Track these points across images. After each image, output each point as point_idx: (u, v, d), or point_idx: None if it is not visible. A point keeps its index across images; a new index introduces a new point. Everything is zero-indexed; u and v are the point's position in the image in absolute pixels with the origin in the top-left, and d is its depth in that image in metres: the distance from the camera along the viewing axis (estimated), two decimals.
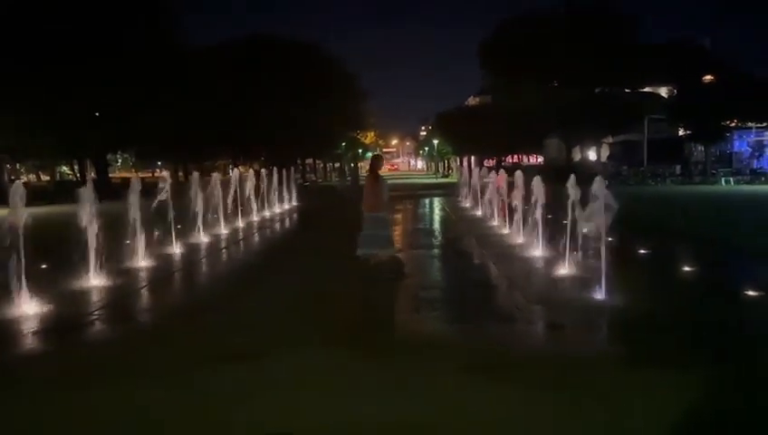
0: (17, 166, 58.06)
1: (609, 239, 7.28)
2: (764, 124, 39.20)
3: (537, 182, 10.16)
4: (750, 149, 39.39)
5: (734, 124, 40.39)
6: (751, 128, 39.92)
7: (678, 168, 38.28)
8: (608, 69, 39.82)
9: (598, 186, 7.10)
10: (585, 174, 9.61)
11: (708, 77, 39.98)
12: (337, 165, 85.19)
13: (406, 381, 4.81)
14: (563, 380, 4.81)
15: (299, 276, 9.62)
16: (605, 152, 49.79)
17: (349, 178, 43.99)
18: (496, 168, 20.74)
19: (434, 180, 57.44)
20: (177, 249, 11.85)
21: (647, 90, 49.74)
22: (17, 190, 7.16)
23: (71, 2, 28.76)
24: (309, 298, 7.97)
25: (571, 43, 38.23)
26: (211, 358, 5.44)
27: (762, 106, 37.11)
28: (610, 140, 48.09)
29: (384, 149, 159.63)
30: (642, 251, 10.70)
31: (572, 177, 8.41)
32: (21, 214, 7.08)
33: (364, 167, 56.26)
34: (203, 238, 13.38)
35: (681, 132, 44.28)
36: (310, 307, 7.46)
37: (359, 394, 4.60)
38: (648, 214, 18.59)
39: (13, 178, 41.56)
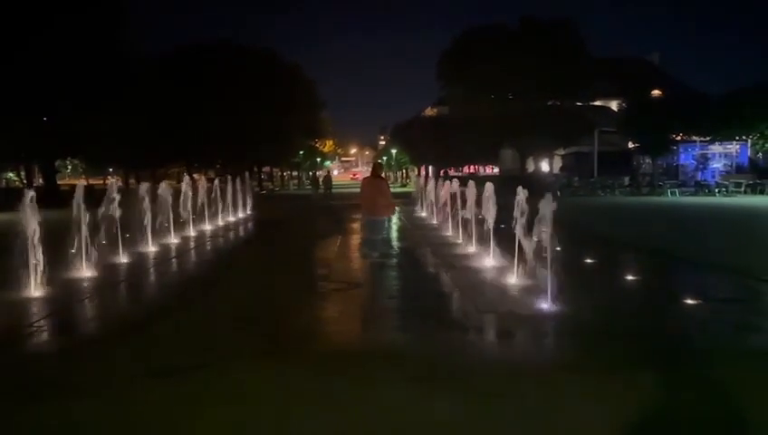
0: None
1: (558, 249, 7.43)
2: (708, 138, 40.73)
3: (489, 193, 10.31)
4: (695, 162, 40.83)
5: (679, 138, 41.83)
6: (696, 142, 41.42)
7: (627, 179, 39.34)
8: (560, 82, 40.85)
9: (545, 199, 7.25)
10: (538, 185, 9.81)
11: (656, 92, 41.39)
12: (295, 173, 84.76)
13: (349, 392, 4.79)
14: (510, 387, 4.87)
15: (246, 287, 9.49)
16: (557, 163, 50.90)
17: (322, 187, 43.62)
18: (443, 178, 20.94)
19: (392, 189, 57.57)
20: (122, 259, 11.55)
21: (597, 103, 51.28)
22: None
23: (14, 8, 27.80)
24: (255, 309, 7.87)
25: (525, 57, 39.08)
26: (149, 372, 5.31)
27: (705, 121, 38.59)
28: (562, 151, 49.20)
29: (343, 158, 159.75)
30: (589, 260, 10.96)
31: (520, 189, 8.56)
32: None
33: (322, 175, 56.25)
34: (150, 248, 13.08)
35: (630, 145, 45.65)
36: (255, 319, 7.35)
37: (301, 407, 4.55)
38: (596, 224, 19.08)
39: None
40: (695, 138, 41.75)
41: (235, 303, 8.28)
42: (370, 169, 11.42)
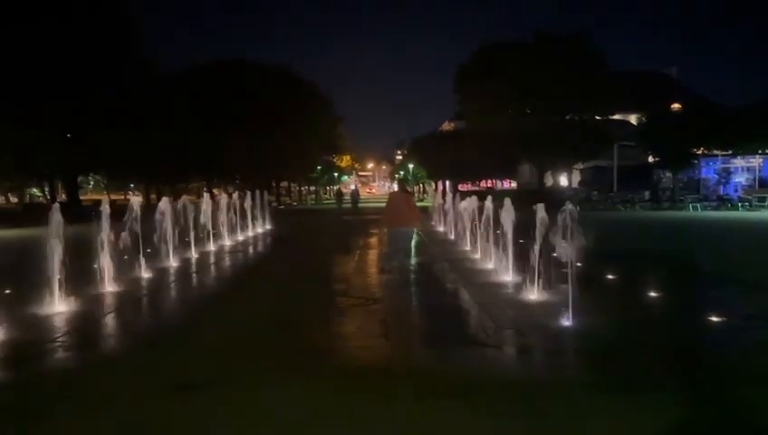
0: None
1: (578, 265, 7.36)
2: (730, 152, 40.28)
3: (507, 208, 10.27)
4: (716, 176, 40.35)
5: (700, 152, 41.42)
6: (717, 155, 40.98)
7: (647, 193, 39.00)
8: (578, 96, 40.72)
9: (567, 213, 7.21)
10: (556, 199, 9.75)
11: (676, 105, 41.09)
12: (312, 188, 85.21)
13: (368, 409, 4.77)
14: (530, 405, 4.82)
15: (266, 302, 9.52)
16: (576, 178, 50.61)
17: (347, 200, 43.80)
18: (452, 193, 20.92)
19: None
20: (144, 274, 11.67)
21: (616, 117, 50.94)
22: None
23: (40, 27, 28.44)
24: (274, 324, 7.88)
25: (542, 71, 39.05)
26: (167, 387, 5.33)
27: (727, 134, 38.19)
28: (581, 165, 48.93)
29: (360, 173, 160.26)
30: (610, 276, 10.84)
31: (541, 204, 8.51)
32: None
33: (348, 190, 56.60)
34: (171, 263, 13.20)
35: (650, 159, 45.29)
36: (275, 334, 7.36)
37: (318, 424, 4.54)
38: (617, 239, 18.89)
39: None
40: (716, 151, 41.33)
41: (252, 318, 8.31)
42: (397, 185, 13.24)
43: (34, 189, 62.26)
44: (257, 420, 4.62)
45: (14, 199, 60.65)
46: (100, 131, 31.58)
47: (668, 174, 43.33)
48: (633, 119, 53.47)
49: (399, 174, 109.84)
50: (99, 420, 4.64)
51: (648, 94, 52.19)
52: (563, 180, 50.91)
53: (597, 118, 46.39)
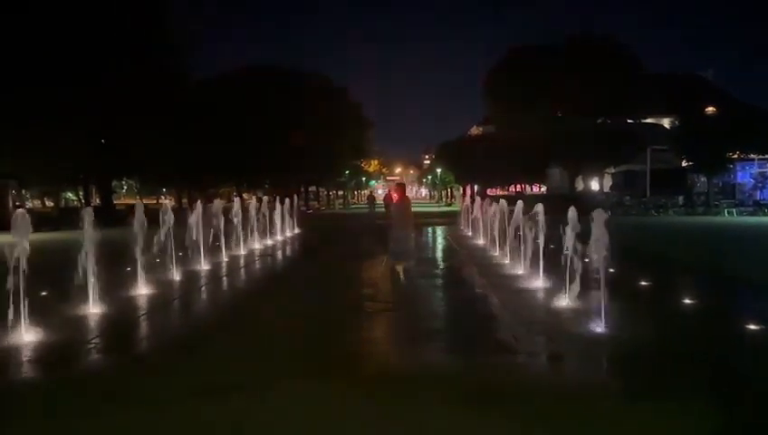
0: (23, 192, 58.38)
1: (611, 271, 7.25)
2: (767, 156, 39.28)
3: (539, 212, 10.17)
4: (753, 181, 39.38)
5: (736, 156, 40.47)
6: (753, 159, 39.99)
7: (681, 198, 38.23)
8: (610, 99, 40.17)
9: (597, 218, 7.10)
10: (588, 204, 9.63)
11: (710, 108, 40.24)
12: (341, 192, 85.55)
13: (398, 414, 4.75)
14: (560, 412, 4.75)
15: (295, 306, 9.58)
16: (608, 182, 49.88)
17: (379, 205, 44.09)
18: (489, 198, 20.75)
19: (437, 209, 57.52)
20: (176, 277, 11.84)
21: (649, 120, 50.09)
22: (20, 219, 7.18)
23: (76, 31, 29.16)
24: (305, 328, 7.92)
25: (574, 74, 38.63)
26: (195, 390, 5.38)
27: (763, 138, 37.24)
28: (613, 170, 48.22)
29: (387, 178, 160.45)
30: (643, 283, 10.64)
31: (572, 208, 8.41)
32: (24, 242, 7.09)
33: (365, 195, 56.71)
34: (202, 266, 13.38)
35: (684, 163, 44.44)
36: (306, 337, 7.41)
37: (347, 429, 4.54)
38: (650, 245, 18.55)
39: (18, 204, 41.78)
40: (752, 155, 40.34)
41: (281, 322, 8.36)
42: (397, 190, 12.84)
43: (69, 193, 63.73)
44: (288, 422, 4.65)
45: (49, 203, 62.16)
46: (134, 137, 32.21)
47: (703, 178, 42.43)
48: (666, 122, 52.52)
49: (426, 178, 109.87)
50: (138, 419, 4.71)
51: (682, 97, 51.18)
52: (594, 185, 50.21)
53: (629, 121, 45.68)
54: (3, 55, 27.36)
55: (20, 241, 7.09)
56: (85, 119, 29.35)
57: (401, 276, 11.30)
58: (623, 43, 42.82)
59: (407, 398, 5.12)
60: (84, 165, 32.34)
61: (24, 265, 7.01)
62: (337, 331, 7.78)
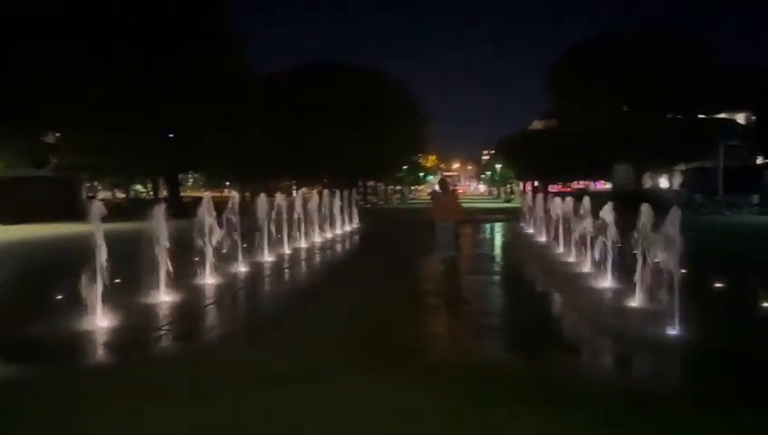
0: (95, 183, 61.23)
1: (683, 271, 6.94)
2: None
3: (607, 209, 9.85)
4: None
5: None
6: None
7: (756, 197, 36.30)
8: (681, 94, 38.55)
9: (672, 216, 6.81)
10: (656, 202, 9.25)
11: None
12: (398, 187, 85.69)
13: (462, 411, 4.69)
14: (628, 417, 4.58)
15: (358, 299, 9.61)
16: (677, 180, 47.97)
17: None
18: (543, 192, 20.34)
19: (496, 205, 56.82)
20: (241, 268, 12.12)
21: (722, 115, 47.79)
22: (95, 210, 7.50)
23: (147, 32, 30.29)
24: (367, 322, 7.95)
25: (643, 67, 37.27)
26: (261, 379, 5.47)
27: None
28: (683, 167, 46.32)
29: (445, 173, 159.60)
30: (718, 284, 10.15)
31: (645, 205, 8.09)
32: (99, 231, 7.41)
33: (425, 190, 56.70)
34: (266, 258, 13.65)
35: (759, 160, 42.19)
36: (367, 332, 7.41)
37: (409, 423, 4.50)
38: (725, 245, 17.72)
39: (90, 195, 43.86)
40: None
41: (344, 314, 8.42)
42: (440, 184, 14.37)
43: (138, 186, 66.41)
44: (350, 415, 4.66)
45: (120, 195, 64.94)
46: (201, 133, 33.28)
47: None
48: (741, 117, 49.94)
49: (485, 174, 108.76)
50: (207, 405, 4.84)
51: (758, 91, 48.59)
52: (663, 182, 48.39)
53: (701, 116, 43.74)
54: (81, 55, 28.70)
55: (95, 230, 7.41)
56: (156, 114, 30.48)
57: (451, 264, 12.15)
58: (695, 36, 41.03)
59: (472, 395, 5.05)
60: (157, 158, 33.62)
61: (99, 253, 7.32)
62: (396, 324, 7.77)
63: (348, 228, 23.52)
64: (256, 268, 12.47)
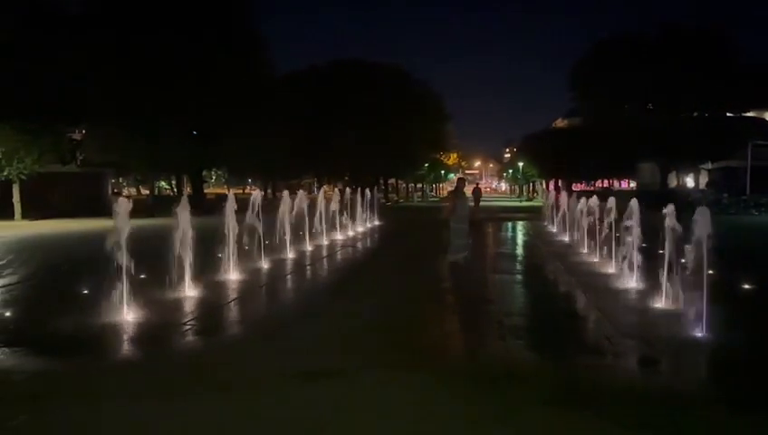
0: (119, 180, 62.07)
1: (710, 272, 6.82)
2: None
3: (633, 208, 9.72)
4: None
5: None
6: None
7: None
8: (707, 92, 37.85)
9: (700, 215, 6.70)
10: (682, 201, 9.10)
11: None
12: (419, 185, 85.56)
13: (489, 413, 4.66)
14: (654, 420, 4.51)
15: (380, 297, 9.62)
16: (703, 179, 47.15)
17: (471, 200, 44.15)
18: (567, 192, 20.09)
19: (518, 204, 56.42)
20: (264, 264, 12.20)
21: (750, 114, 46.84)
22: (122, 206, 7.60)
23: (172, 31, 30.63)
24: (390, 320, 7.94)
25: (668, 65, 36.68)
26: (287, 374, 5.50)
27: None
28: (709, 166, 45.48)
29: (466, 171, 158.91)
30: (746, 286, 9.96)
31: (671, 205, 7.96)
32: (125, 227, 7.51)
33: (446, 188, 56.42)
34: (288, 255, 13.71)
35: None
36: (390, 329, 7.40)
37: (434, 423, 4.49)
38: (752, 246, 17.37)
39: (116, 191, 44.48)
40: None
41: (366, 311, 8.41)
42: (457, 183, 14.26)
43: (162, 182, 67.22)
44: (373, 412, 4.66)
45: (144, 191, 65.81)
46: (225, 131, 33.59)
47: None
48: None
49: (507, 173, 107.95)
50: (228, 401, 4.88)
51: None
52: (689, 181, 47.58)
53: (728, 115, 42.90)
54: (107, 53, 29.10)
55: (122, 226, 7.50)
56: (180, 111, 30.81)
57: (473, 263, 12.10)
58: (721, 33, 40.25)
59: (496, 396, 5.02)
60: (181, 156, 34.00)
61: (125, 249, 7.43)
62: (419, 323, 7.77)
63: (369, 226, 23.55)
64: (278, 265, 12.55)
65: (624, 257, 10.15)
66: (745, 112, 45.56)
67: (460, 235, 12.57)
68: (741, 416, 4.60)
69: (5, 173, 27.49)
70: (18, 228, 23.37)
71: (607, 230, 11.75)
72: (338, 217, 19.08)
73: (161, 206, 26.21)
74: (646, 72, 37.49)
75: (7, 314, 8.14)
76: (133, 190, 70.90)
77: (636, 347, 6.57)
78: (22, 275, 11.75)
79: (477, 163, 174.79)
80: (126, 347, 6.60)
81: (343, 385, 5.27)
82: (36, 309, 8.53)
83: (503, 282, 10.97)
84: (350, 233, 20.29)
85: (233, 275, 10.64)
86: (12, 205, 28.18)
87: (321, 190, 19.34)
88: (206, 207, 23.83)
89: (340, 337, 7.00)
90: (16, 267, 12.76)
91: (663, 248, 8.05)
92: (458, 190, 13.47)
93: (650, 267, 9.20)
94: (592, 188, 60.84)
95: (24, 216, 27.84)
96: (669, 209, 7.94)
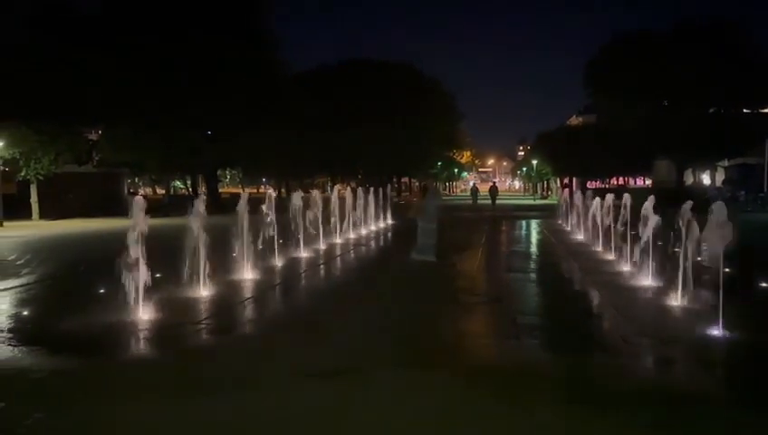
0: (135, 179, 62.63)
1: (727, 270, 6.74)
2: None
3: (649, 206, 9.63)
4: None
5: None
6: None
7: None
8: (724, 88, 37.40)
9: (717, 212, 6.62)
10: (698, 199, 9.02)
11: None
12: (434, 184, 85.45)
13: (502, 412, 4.65)
14: (672, 419, 4.48)
15: (392, 296, 9.61)
16: (720, 176, 46.61)
17: (484, 196, 44.48)
18: (581, 190, 19.94)
19: (532, 202, 56.13)
20: (278, 263, 12.24)
21: (767, 110, 46.24)
22: (138, 205, 7.66)
23: (186, 32, 30.87)
24: (402, 318, 7.93)
25: (684, 61, 36.29)
26: (301, 373, 5.51)
27: None
28: (726, 163, 44.96)
29: (480, 169, 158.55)
30: (764, 284, 9.84)
31: (688, 202, 7.88)
32: (142, 226, 7.56)
33: (460, 187, 56.39)
34: (302, 254, 13.75)
35: None
36: (402, 328, 7.40)
37: (446, 422, 4.49)
38: None
39: (132, 190, 44.91)
40: None
41: (379, 310, 8.42)
42: (425, 185, 15.08)
43: (178, 182, 67.70)
44: (387, 411, 4.67)
45: (160, 191, 66.31)
46: (238, 130, 33.77)
47: None
48: None
49: (522, 170, 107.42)
50: (242, 400, 4.92)
51: None
52: (705, 179, 47.05)
53: (745, 111, 42.37)
54: (122, 54, 29.38)
55: (138, 225, 7.56)
56: (195, 112, 31.03)
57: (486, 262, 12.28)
58: (737, 28, 39.75)
59: (510, 395, 5.00)
60: (196, 156, 34.26)
61: (142, 247, 7.48)
62: (434, 322, 7.74)
63: (382, 225, 23.53)
64: (292, 264, 12.58)
65: (641, 256, 10.04)
66: (762, 109, 44.98)
67: (428, 234, 12.84)
68: (760, 417, 4.54)
69: (23, 174, 27.88)
70: (36, 228, 23.68)
71: (622, 228, 11.66)
72: (351, 216, 19.08)
73: (177, 205, 26.40)
74: (661, 69, 37.12)
75: (25, 312, 8.26)
76: (148, 190, 71.48)
77: (652, 346, 6.51)
78: (40, 274, 11.91)
79: (491, 161, 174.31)
80: (142, 346, 6.66)
81: (354, 383, 5.27)
82: (54, 308, 8.64)
83: (516, 280, 10.93)
84: (363, 232, 20.29)
85: (247, 275, 10.68)
86: (30, 205, 28.55)
87: (335, 189, 19.35)
88: (220, 207, 23.98)
89: (352, 336, 6.98)
90: (34, 267, 12.93)
91: (679, 246, 7.97)
92: (427, 191, 14.35)
93: (667, 266, 9.12)
94: (607, 185, 60.37)
95: (42, 216, 28.19)
96: (686, 207, 7.86)
